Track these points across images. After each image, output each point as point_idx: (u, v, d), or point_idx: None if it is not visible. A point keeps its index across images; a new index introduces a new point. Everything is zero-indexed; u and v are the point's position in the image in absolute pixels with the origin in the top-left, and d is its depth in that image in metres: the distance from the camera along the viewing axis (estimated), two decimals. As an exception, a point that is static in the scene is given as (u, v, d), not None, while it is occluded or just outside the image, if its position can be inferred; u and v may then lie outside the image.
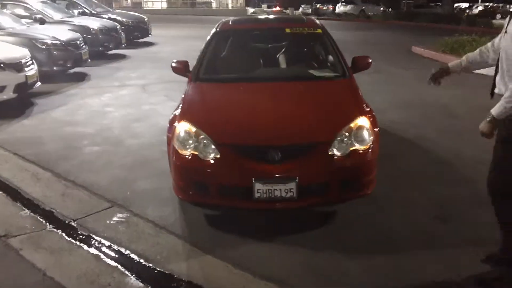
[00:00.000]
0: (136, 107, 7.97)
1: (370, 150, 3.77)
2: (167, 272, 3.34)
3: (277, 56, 5.39)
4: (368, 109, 4.12)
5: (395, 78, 10.61)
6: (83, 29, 12.71)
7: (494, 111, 3.00)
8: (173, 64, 5.16)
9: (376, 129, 3.94)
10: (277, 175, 3.59)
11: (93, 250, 3.62)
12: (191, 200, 3.91)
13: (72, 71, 10.86)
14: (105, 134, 6.53)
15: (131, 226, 3.99)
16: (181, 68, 5.10)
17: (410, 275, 3.28)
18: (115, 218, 4.12)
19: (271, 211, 3.98)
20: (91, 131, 6.67)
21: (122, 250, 3.62)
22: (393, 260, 3.44)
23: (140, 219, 4.09)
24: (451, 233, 3.80)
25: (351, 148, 3.72)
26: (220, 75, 5.01)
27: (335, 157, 3.68)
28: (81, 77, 10.65)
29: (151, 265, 3.42)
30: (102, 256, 3.55)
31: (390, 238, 3.74)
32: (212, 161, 3.71)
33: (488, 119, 3.04)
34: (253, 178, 3.57)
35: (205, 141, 3.77)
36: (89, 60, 11.23)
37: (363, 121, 3.85)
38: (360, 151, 3.73)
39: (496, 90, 3.13)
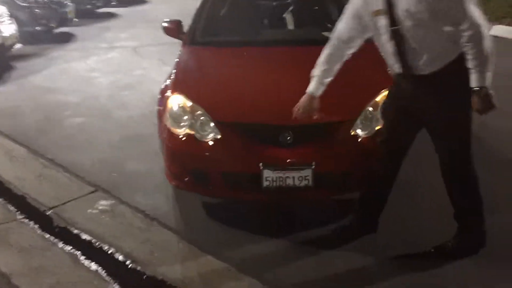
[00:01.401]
0: (126, 72, 7.26)
1: None
2: (159, 277, 2.76)
3: (287, 15, 4.64)
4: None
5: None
6: (69, -14, 11.81)
7: (487, 81, 2.45)
8: (165, 24, 4.45)
9: None
10: (289, 161, 2.99)
11: (69, 249, 3.05)
12: (186, 188, 3.30)
13: (56, 31, 10.09)
14: (90, 104, 5.87)
15: (117, 216, 3.40)
16: (174, 29, 4.40)
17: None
18: (98, 206, 3.52)
19: (282, 202, 3.38)
20: (75, 100, 6.00)
21: (105, 248, 3.03)
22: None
23: (128, 208, 3.49)
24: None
25: (377, 127, 3.10)
26: (219, 37, 4.31)
27: (359, 138, 3.08)
28: (66, 38, 9.87)
29: (139, 268, 2.84)
30: (80, 257, 2.98)
31: (421, 235, 3.16)
32: (211, 143, 3.09)
33: (483, 93, 2.46)
34: (261, 164, 2.96)
35: (202, 118, 3.15)
36: (75, 19, 10.47)
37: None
38: None
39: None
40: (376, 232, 3.10)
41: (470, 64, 2.45)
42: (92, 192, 3.73)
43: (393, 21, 2.52)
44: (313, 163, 2.96)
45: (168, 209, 3.50)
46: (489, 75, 2.46)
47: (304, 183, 2.98)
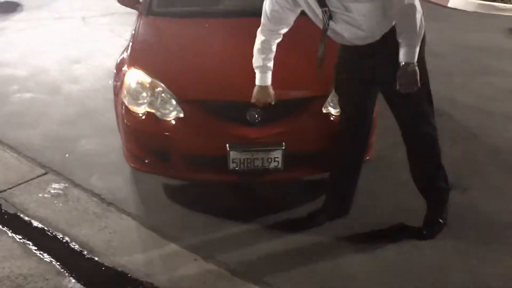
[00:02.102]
0: (77, 45, 6.78)
1: None
2: (118, 268, 2.58)
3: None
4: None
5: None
6: (14, -49, 11.04)
7: (416, 57, 2.38)
8: (119, -7, 4.15)
9: None
10: (258, 140, 2.81)
11: (20, 238, 2.79)
12: (146, 170, 3.08)
13: (1, 0, 9.42)
14: (39, 78, 5.45)
15: (71, 201, 3.15)
16: (129, -2, 4.11)
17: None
18: (50, 190, 3.27)
19: (250, 183, 3.21)
20: (23, 74, 5.56)
21: (59, 237, 2.82)
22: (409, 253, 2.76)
23: (82, 192, 3.25)
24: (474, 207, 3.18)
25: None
26: (179, 7, 4.02)
27: (331, 116, 2.93)
28: (12, 8, 9.15)
29: (97, 258, 2.65)
30: (32, 247, 2.73)
31: (395, 213, 3.08)
32: (173, 122, 2.87)
33: (410, 69, 2.37)
34: (227, 145, 2.77)
35: (163, 95, 2.91)
36: (21, -13, 9.75)
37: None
38: None
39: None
40: (348, 214, 2.99)
41: (400, 38, 2.37)
42: (44, 174, 3.46)
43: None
44: (283, 143, 2.79)
45: (126, 192, 3.28)
46: (417, 51, 2.38)
47: (273, 164, 2.82)
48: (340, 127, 2.83)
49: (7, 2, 9.49)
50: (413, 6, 2.32)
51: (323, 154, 2.95)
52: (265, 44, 2.69)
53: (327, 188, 3.02)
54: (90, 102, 4.75)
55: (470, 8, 9.90)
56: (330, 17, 2.41)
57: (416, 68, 2.38)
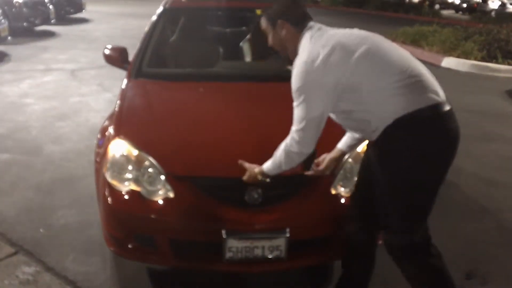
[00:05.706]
0: (62, 99, 6.52)
1: None
2: None
3: (243, 44, 4.11)
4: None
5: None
6: (3, 1, 10.94)
7: (270, 170, 2.36)
8: (106, 52, 3.88)
9: None
10: (258, 226, 2.45)
11: None
12: (129, 256, 2.70)
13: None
14: (19, 136, 5.12)
15: (41, 290, 2.74)
16: (117, 58, 3.83)
17: None
18: (19, 275, 2.83)
19: (247, 273, 2.83)
20: (2, 131, 5.22)
21: None
22: None
23: (54, 278, 2.82)
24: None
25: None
26: (172, 68, 3.74)
27: (340, 197, 2.60)
28: (-2, 58, 9.00)
29: None
30: None
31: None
32: (161, 202, 2.51)
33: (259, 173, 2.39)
34: (223, 231, 2.41)
35: (150, 170, 2.56)
36: (9, 38, 9.60)
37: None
38: None
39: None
40: None
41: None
42: (13, 254, 3.04)
43: None
44: (288, 229, 2.44)
45: (104, 278, 2.87)
46: (274, 168, 2.31)
47: (275, 254, 2.46)
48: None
49: (-6, 52, 9.28)
50: (294, 132, 2.20)
51: (331, 240, 2.60)
52: None
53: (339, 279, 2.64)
54: (71, 165, 4.39)
55: (463, 69, 9.87)
56: None
57: (265, 178, 2.37)
